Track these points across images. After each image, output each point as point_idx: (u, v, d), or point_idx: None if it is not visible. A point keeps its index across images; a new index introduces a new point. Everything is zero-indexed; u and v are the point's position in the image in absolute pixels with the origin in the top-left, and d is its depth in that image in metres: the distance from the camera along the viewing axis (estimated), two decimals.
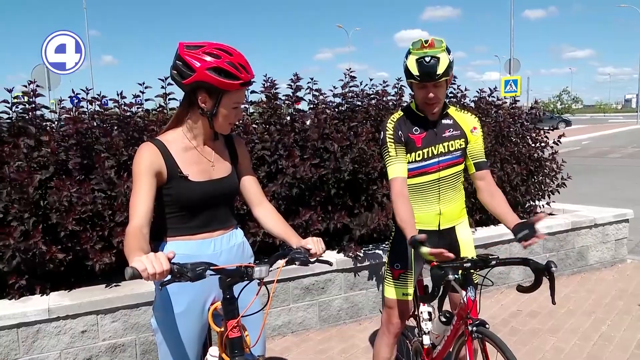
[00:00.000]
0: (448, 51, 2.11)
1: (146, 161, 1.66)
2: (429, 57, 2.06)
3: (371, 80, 4.44)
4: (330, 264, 1.79)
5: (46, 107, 3.31)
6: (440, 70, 2.06)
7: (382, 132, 2.28)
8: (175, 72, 1.65)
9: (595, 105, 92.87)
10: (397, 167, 2.21)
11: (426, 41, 2.09)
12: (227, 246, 1.83)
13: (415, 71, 2.09)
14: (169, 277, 1.36)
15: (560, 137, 5.00)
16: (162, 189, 1.72)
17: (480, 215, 4.49)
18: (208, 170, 1.77)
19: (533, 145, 5.00)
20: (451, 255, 1.86)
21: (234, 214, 1.92)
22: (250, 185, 1.93)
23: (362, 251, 3.77)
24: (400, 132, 2.23)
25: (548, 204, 5.12)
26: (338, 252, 3.80)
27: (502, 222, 2.21)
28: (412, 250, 2.32)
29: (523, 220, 2.10)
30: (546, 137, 5.03)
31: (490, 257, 1.96)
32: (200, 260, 1.54)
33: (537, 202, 5.08)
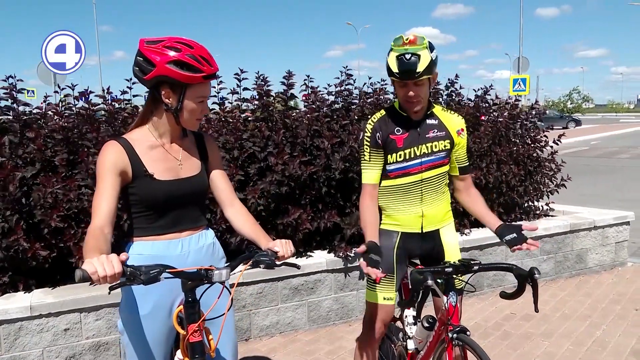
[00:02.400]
0: (431, 49, 2.04)
1: (110, 160, 1.63)
2: (410, 54, 1.99)
3: (370, 78, 4.40)
4: (297, 267, 1.74)
5: (27, 105, 3.29)
6: (421, 67, 2.00)
7: (362, 133, 2.23)
8: (137, 68, 1.61)
9: (607, 104, 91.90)
10: (370, 173, 2.21)
11: (407, 38, 2.03)
12: (195, 247, 1.78)
13: (395, 68, 2.03)
14: (122, 279, 1.32)
15: (560, 137, 4.91)
16: (127, 189, 1.68)
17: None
18: (175, 169, 1.73)
19: (532, 145, 4.91)
20: (379, 275, 1.86)
21: (204, 214, 1.87)
22: (221, 185, 1.88)
23: (353, 251, 3.72)
24: (379, 134, 2.17)
25: (547, 204, 5.03)
26: (328, 252, 3.75)
27: (483, 222, 2.23)
28: (395, 254, 2.28)
29: (509, 224, 2.10)
30: (545, 137, 4.94)
31: (472, 262, 1.91)
32: (165, 261, 1.50)
33: (536, 203, 5.00)
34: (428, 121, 2.21)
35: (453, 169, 2.29)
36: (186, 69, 1.58)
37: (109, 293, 1.38)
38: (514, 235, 2.02)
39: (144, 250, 1.71)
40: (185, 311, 1.55)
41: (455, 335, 1.89)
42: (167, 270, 1.40)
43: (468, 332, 1.91)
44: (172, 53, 1.57)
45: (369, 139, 2.18)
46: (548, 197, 4.99)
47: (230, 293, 1.55)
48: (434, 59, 2.03)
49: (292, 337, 3.53)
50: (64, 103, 3.37)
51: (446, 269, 1.88)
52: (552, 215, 5.02)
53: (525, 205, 4.91)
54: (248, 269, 1.57)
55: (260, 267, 1.59)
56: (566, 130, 5.56)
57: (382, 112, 2.24)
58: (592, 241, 4.77)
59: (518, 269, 1.91)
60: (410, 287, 1.85)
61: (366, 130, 2.20)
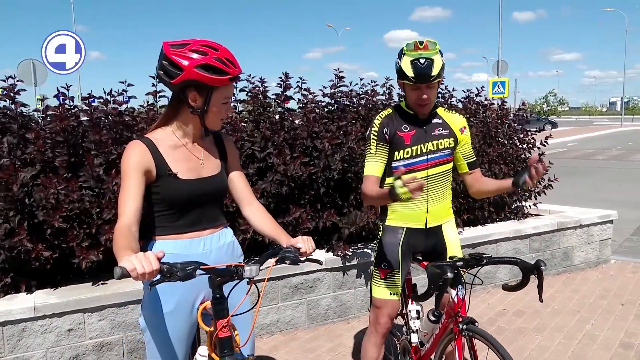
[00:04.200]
0: (441, 53, 2.14)
1: (135, 159, 1.65)
2: (424, 59, 2.08)
3: (361, 79, 4.47)
4: (320, 262, 1.79)
5: (25, 105, 3.27)
6: (435, 71, 2.09)
7: (369, 128, 2.31)
8: (162, 72, 1.63)
9: (581, 107, 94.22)
10: (374, 165, 2.26)
11: (421, 43, 2.11)
12: (216, 245, 1.82)
13: (410, 73, 2.10)
14: (158, 276, 1.35)
15: (547, 138, 5.07)
16: (150, 187, 1.70)
17: (467, 216, 4.53)
18: (197, 168, 1.77)
19: (520, 146, 5.06)
20: (423, 183, 1.84)
21: (223, 212, 1.91)
22: (239, 184, 1.92)
23: (351, 250, 3.78)
24: (386, 129, 2.25)
25: (535, 204, 5.18)
26: (327, 251, 3.80)
27: (502, 189, 2.28)
28: (400, 249, 2.35)
29: (519, 171, 2.10)
30: (533, 138, 5.09)
31: (483, 255, 2.00)
32: (190, 259, 1.53)
33: (524, 203, 5.14)
34: (433, 120, 2.30)
35: (462, 167, 2.37)
36: (213, 72, 1.61)
37: (150, 289, 1.41)
38: (524, 174, 2.03)
39: (167, 248, 1.72)
40: (214, 307, 1.58)
41: (465, 326, 1.97)
42: (200, 267, 1.44)
43: (476, 323, 2.00)
44: (199, 57, 1.59)
45: (376, 133, 2.26)
46: (536, 198, 5.14)
47: (259, 290, 1.59)
48: (444, 62, 2.13)
49: (292, 335, 3.58)
50: (42, 104, 3.35)
51: (457, 263, 1.96)
52: (539, 215, 5.16)
53: (514, 205, 5.05)
54: (275, 265, 1.62)
55: (286, 262, 1.64)
56: (543, 132, 5.76)
57: (390, 109, 2.32)
58: (578, 239, 4.93)
59: (522, 262, 2.01)
60: (428, 280, 1.91)
61: (374, 125, 2.28)
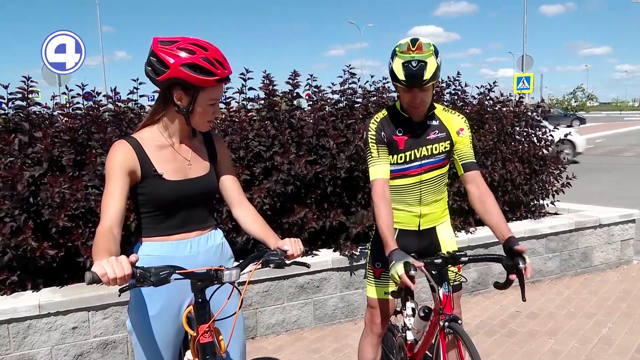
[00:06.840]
0: (436, 54, 2.01)
1: (119, 159, 1.63)
2: (416, 62, 1.96)
3: (372, 77, 4.41)
4: (307, 266, 1.75)
5: (39, 104, 3.31)
6: (428, 75, 1.97)
7: (364, 132, 2.23)
8: (150, 68, 1.60)
9: (611, 102, 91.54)
10: (379, 168, 2.15)
11: (413, 43, 1.99)
12: (204, 247, 1.79)
13: (401, 76, 1.99)
14: (132, 281, 1.33)
15: (566, 136, 4.91)
16: (136, 188, 1.68)
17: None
18: (184, 169, 1.74)
19: (538, 143, 4.91)
20: (412, 287, 1.81)
21: (213, 214, 1.88)
22: (230, 185, 1.89)
23: (358, 250, 3.73)
24: (383, 132, 2.17)
25: (552, 203, 5.03)
26: (334, 251, 3.76)
27: (494, 233, 2.11)
28: None
29: (512, 239, 1.98)
30: (551, 135, 4.93)
31: (458, 253, 1.97)
32: (174, 262, 1.50)
33: (541, 201, 4.99)
34: (429, 122, 2.19)
35: (458, 169, 2.27)
36: (200, 72, 1.57)
37: (119, 295, 1.38)
38: (518, 260, 1.90)
39: (153, 251, 1.71)
40: (195, 312, 1.55)
41: (447, 323, 1.93)
42: (177, 272, 1.41)
43: (460, 321, 1.95)
44: (186, 55, 1.55)
45: (374, 137, 2.17)
46: (554, 197, 4.99)
47: (241, 293, 1.55)
48: (439, 64, 2.01)
49: (298, 335, 3.55)
50: (70, 104, 3.39)
51: (436, 261, 1.93)
52: (557, 214, 5.01)
53: (531, 204, 4.91)
54: (258, 268, 1.58)
55: (270, 266, 1.60)
56: (563, 130, 5.57)
57: (384, 112, 2.23)
58: (598, 239, 4.76)
59: (506, 259, 1.94)
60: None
61: (370, 129, 2.18)
